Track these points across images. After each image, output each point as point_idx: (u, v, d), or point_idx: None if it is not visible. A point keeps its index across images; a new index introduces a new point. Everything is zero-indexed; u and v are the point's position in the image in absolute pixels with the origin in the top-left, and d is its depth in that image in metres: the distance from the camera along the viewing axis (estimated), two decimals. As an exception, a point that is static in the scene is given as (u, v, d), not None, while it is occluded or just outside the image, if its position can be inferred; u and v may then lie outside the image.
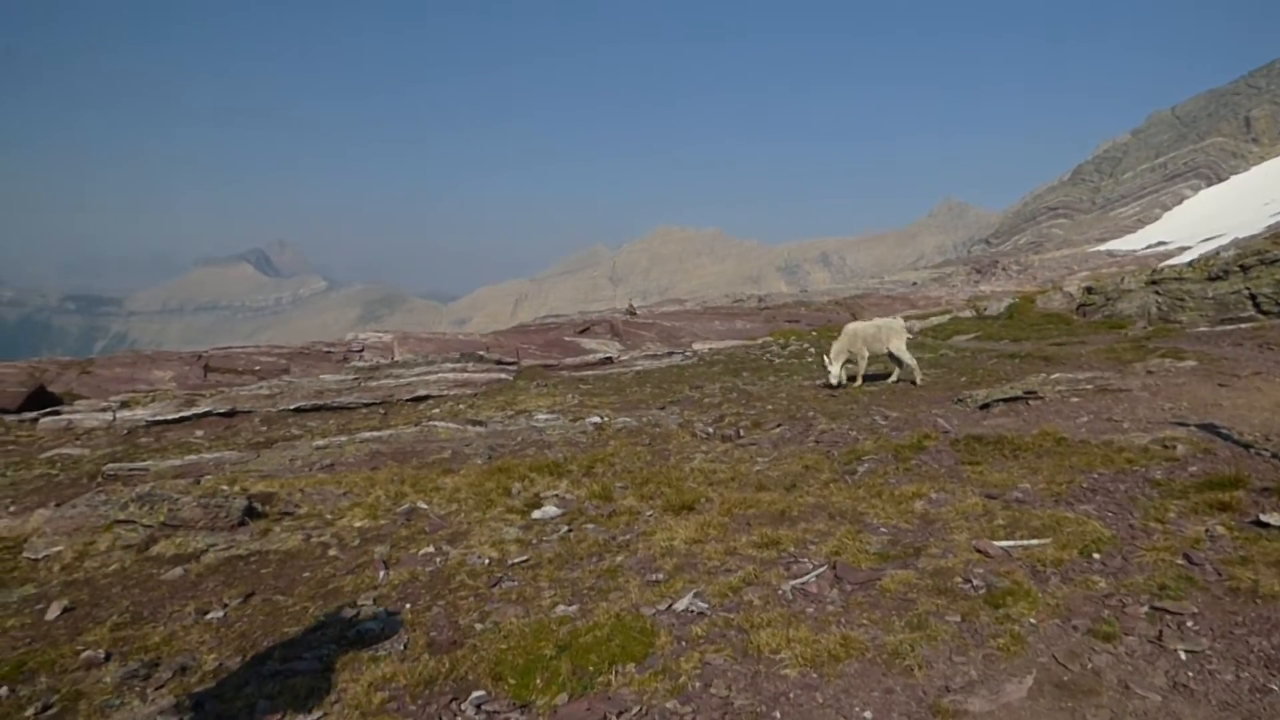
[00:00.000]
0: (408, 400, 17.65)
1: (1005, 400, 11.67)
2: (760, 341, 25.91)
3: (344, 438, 12.72)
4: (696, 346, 23.74)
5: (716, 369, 19.59)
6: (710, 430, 11.63)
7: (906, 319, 33.40)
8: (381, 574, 6.58)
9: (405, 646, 5.19)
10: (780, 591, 5.47)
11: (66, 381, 29.57)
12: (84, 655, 5.30)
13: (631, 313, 46.72)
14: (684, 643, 4.82)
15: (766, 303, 54.74)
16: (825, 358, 15.32)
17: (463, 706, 4.38)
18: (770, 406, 13.52)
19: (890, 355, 15.39)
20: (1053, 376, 13.16)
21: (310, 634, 5.56)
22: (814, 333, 30.12)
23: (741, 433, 11.37)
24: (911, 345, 23.12)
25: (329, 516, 8.39)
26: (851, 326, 15.70)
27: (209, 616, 6.00)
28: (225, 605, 6.19)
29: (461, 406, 15.69)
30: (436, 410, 15.64)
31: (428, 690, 4.57)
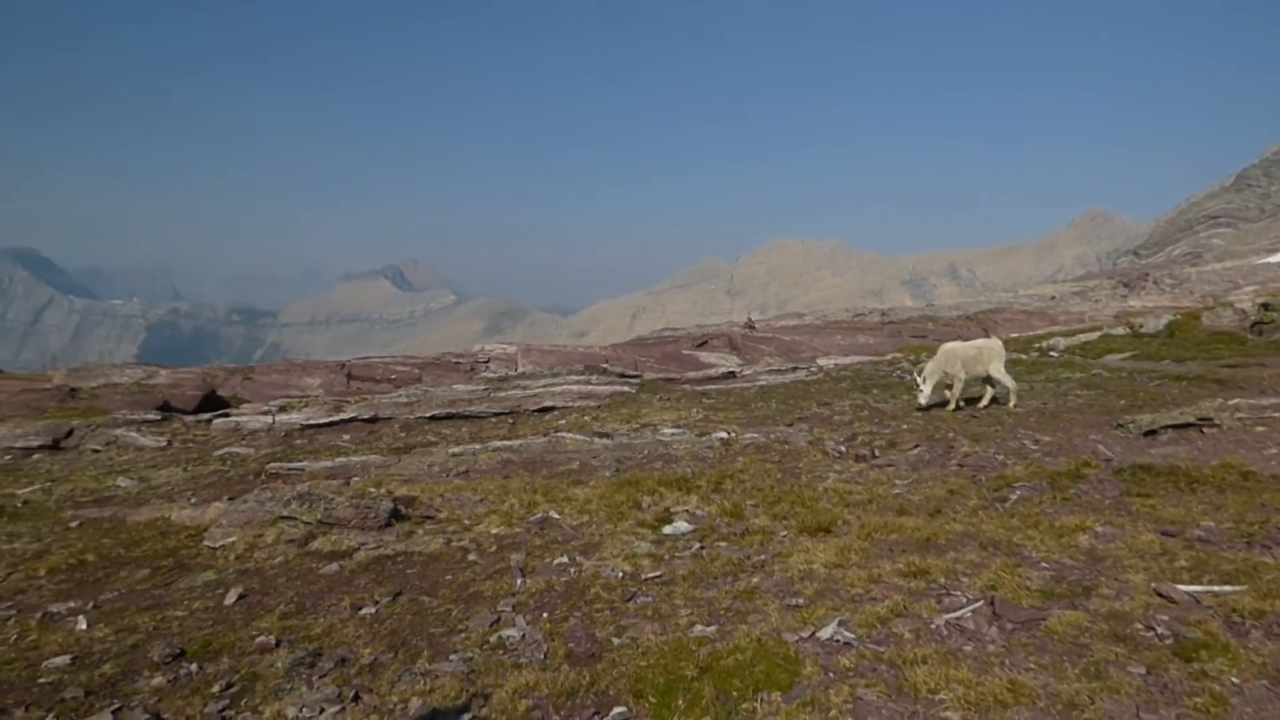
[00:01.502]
0: (534, 411, 18.16)
1: (1175, 427, 10.64)
2: (889, 357, 24.95)
3: (477, 446, 13.22)
4: (821, 361, 23.15)
5: (844, 385, 18.99)
6: (843, 449, 11.25)
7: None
8: (519, 581, 6.73)
9: (545, 656, 5.26)
10: (933, 626, 5.16)
11: (232, 386, 32.48)
12: (258, 641, 5.72)
13: (750, 326, 46.22)
14: (831, 674, 4.63)
15: (890, 317, 52.72)
16: (916, 376, 14.58)
17: (605, 721, 4.38)
18: (905, 426, 12.95)
19: (987, 378, 14.59)
20: (1230, 402, 11.91)
21: (454, 636, 5.75)
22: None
23: (876, 453, 10.93)
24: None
25: (467, 522, 8.69)
26: (949, 346, 14.87)
27: (362, 612, 6.32)
28: (377, 603, 6.51)
29: (586, 418, 15.98)
30: (562, 421, 16.00)
31: (570, 702, 4.61)
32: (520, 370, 31.07)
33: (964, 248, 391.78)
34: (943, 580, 5.96)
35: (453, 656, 5.34)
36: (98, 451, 17.59)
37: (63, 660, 5.47)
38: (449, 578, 7.07)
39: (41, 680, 5.18)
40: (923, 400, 14.21)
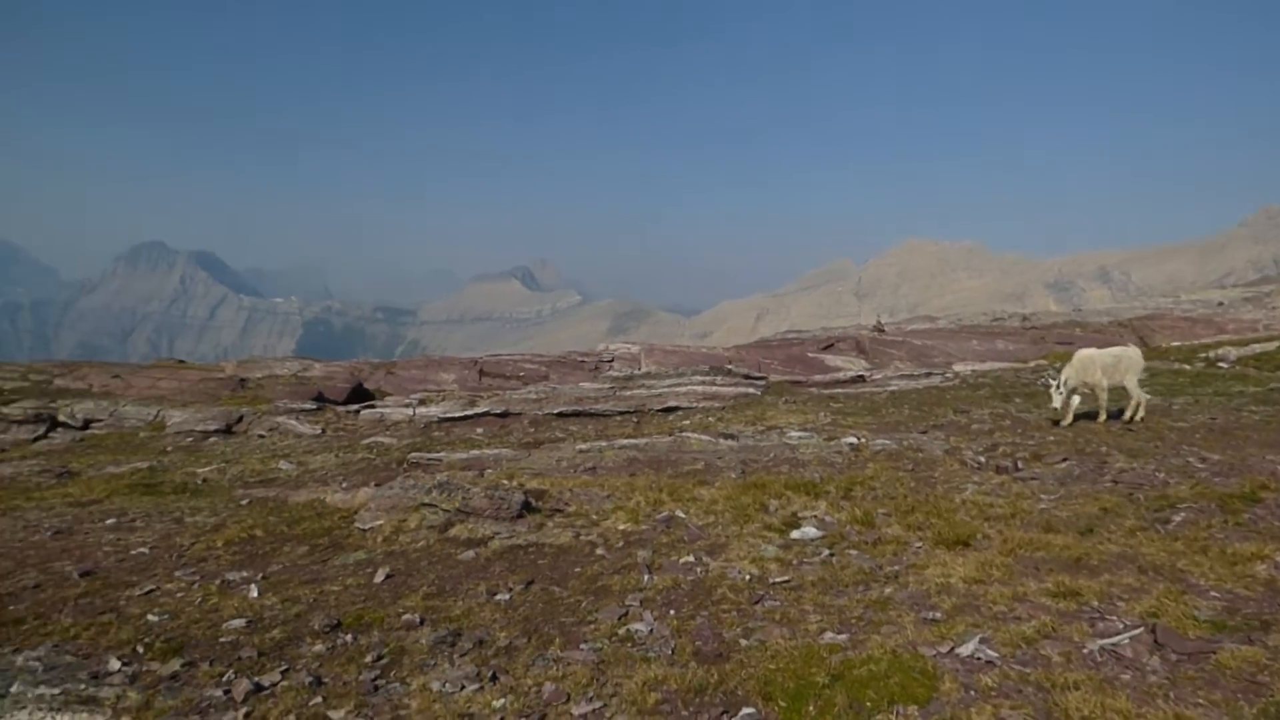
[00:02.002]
0: (658, 410, 18.35)
1: (1377, 448, 9.39)
2: (1032, 365, 23.42)
3: (603, 443, 13.51)
4: (957, 368, 22.04)
5: (983, 393, 18.00)
6: (982, 460, 10.68)
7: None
8: (646, 578, 6.83)
9: (673, 652, 5.32)
10: (1085, 651, 4.82)
11: (376, 380, 34.81)
12: (404, 618, 6.12)
13: (879, 329, 44.66)
14: (972, 692, 4.42)
15: (1032, 322, 49.40)
16: (1052, 385, 13.46)
17: (734, 721, 4.38)
18: (1052, 438, 12.13)
19: (1121, 387, 13.35)
20: None
21: (584, 626, 5.93)
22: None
23: (1019, 465, 10.30)
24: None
25: (594, 517, 8.92)
26: (1086, 353, 13.51)
27: (498, 598, 6.62)
28: (510, 590, 6.80)
29: (711, 419, 15.99)
30: (686, 421, 16.08)
31: (698, 698, 4.64)
32: (643, 370, 31.48)
33: (1117, 248, 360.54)
34: (1096, 603, 5.55)
35: (583, 646, 5.50)
36: (263, 437, 19.32)
37: (239, 623, 6.07)
38: (578, 570, 7.27)
39: (222, 639, 5.77)
40: (1056, 404, 13.23)
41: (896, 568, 6.72)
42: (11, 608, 6.66)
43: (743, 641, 5.40)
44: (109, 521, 10.22)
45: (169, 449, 18.30)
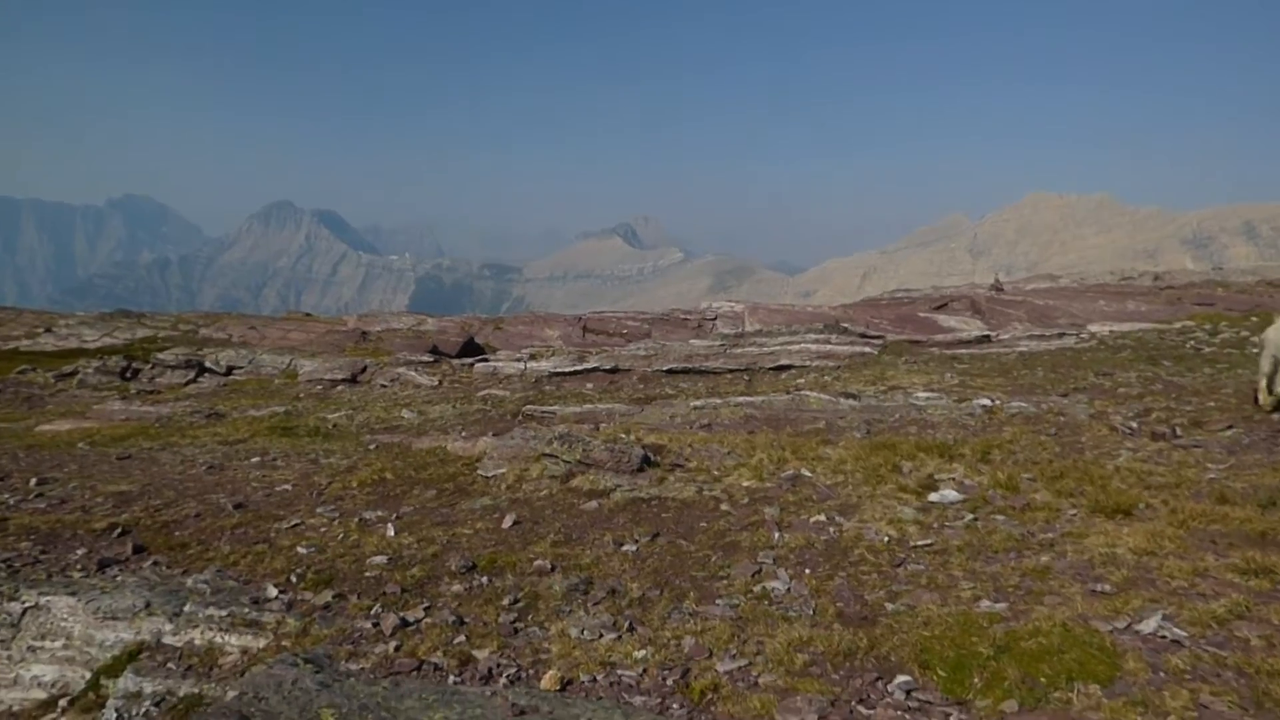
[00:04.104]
0: (770, 369, 17.95)
1: None
2: (1178, 326, 21.45)
3: (718, 400, 13.30)
4: (1093, 328, 20.45)
5: (1124, 355, 16.60)
6: (1134, 425, 9.81)
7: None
8: (776, 535, 6.63)
9: (814, 612, 5.11)
10: (1293, 637, 4.29)
11: (485, 334, 35.83)
12: (535, 564, 6.17)
13: (997, 288, 42.18)
14: (1161, 673, 4.01)
15: (1166, 281, 45.33)
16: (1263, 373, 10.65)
17: (889, 688, 4.14)
18: (1212, 403, 11.02)
19: None
20: None
21: (716, 581, 5.79)
22: (1255, 318, 24.07)
23: (1178, 431, 9.40)
24: None
25: (716, 473, 8.75)
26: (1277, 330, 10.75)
27: (624, 549, 6.58)
28: (637, 541, 6.75)
29: (827, 378, 15.47)
30: (801, 380, 15.63)
31: (848, 663, 4.42)
32: (747, 328, 30.94)
33: (1267, 202, 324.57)
34: (1295, 585, 4.95)
35: (718, 601, 5.37)
36: (385, 386, 20.21)
37: (381, 559, 6.28)
38: (703, 525, 7.14)
39: (367, 574, 5.99)
40: (1261, 400, 10.59)
41: (1050, 535, 6.23)
42: (177, 533, 7.17)
43: (888, 605, 5.13)
44: (254, 460, 10.90)
45: (301, 395, 19.43)
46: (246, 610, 5.10)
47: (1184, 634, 4.36)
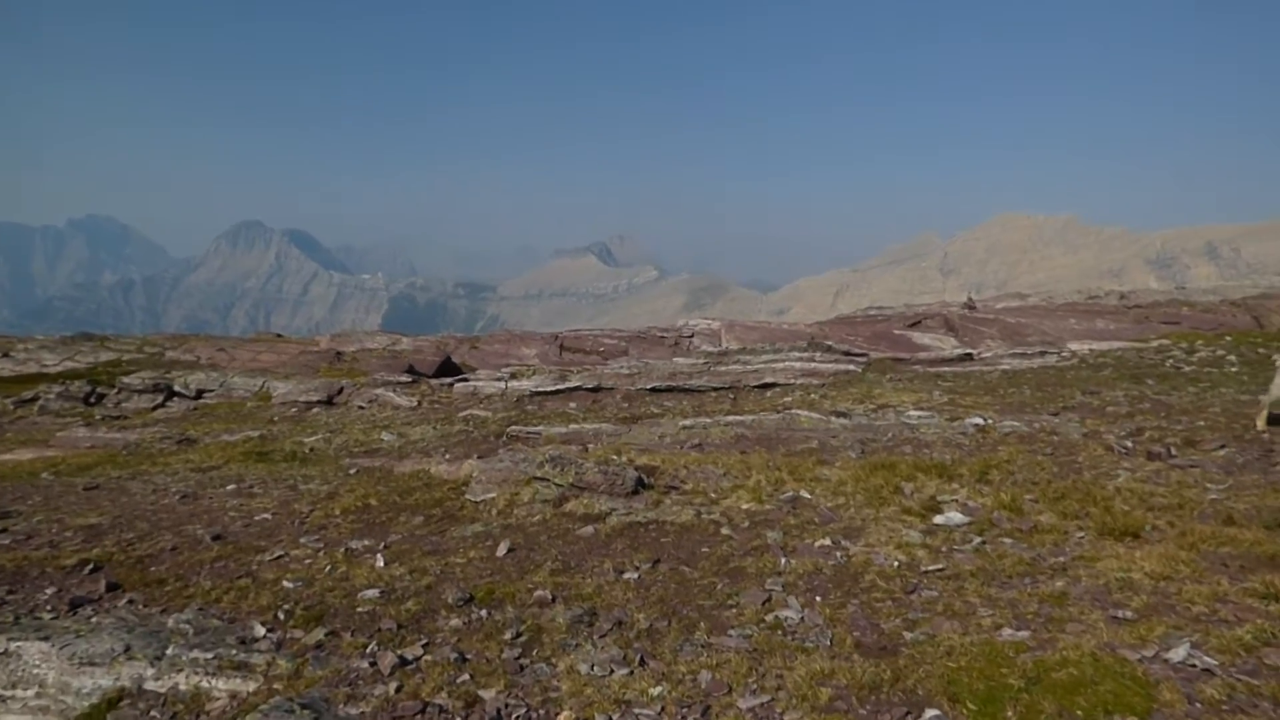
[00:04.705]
0: (754, 386, 17.85)
1: None
2: (1155, 345, 21.80)
3: (706, 419, 13.15)
4: (1074, 346, 20.68)
5: (1107, 373, 16.78)
6: (1129, 445, 9.82)
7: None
8: (783, 561, 6.45)
9: (831, 642, 4.93)
10: (1324, 663, 4.20)
11: (461, 353, 35.41)
12: (536, 594, 5.91)
13: (970, 306, 42.75)
14: (1197, 704, 3.88)
15: (1132, 300, 46.24)
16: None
17: (920, 724, 3.97)
18: (1202, 422, 11.10)
19: None
20: None
21: (725, 610, 5.59)
22: (1228, 338, 24.56)
23: (1173, 451, 9.42)
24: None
25: (713, 495, 8.57)
26: None
27: (626, 576, 6.36)
28: (638, 568, 6.52)
29: (814, 396, 15.39)
30: (789, 399, 15.54)
31: (874, 696, 4.24)
32: (724, 346, 30.91)
33: (1227, 223, 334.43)
34: (1317, 608, 4.88)
35: (731, 632, 5.17)
36: (363, 408, 19.78)
37: (373, 593, 5.99)
38: (705, 550, 6.95)
39: (359, 609, 5.69)
40: (1260, 425, 10.57)
41: (1061, 559, 6.13)
42: (153, 568, 6.80)
43: (907, 634, 4.97)
44: (229, 487, 10.49)
45: (275, 419, 18.92)
46: (233, 651, 4.79)
47: (1214, 662, 4.25)
